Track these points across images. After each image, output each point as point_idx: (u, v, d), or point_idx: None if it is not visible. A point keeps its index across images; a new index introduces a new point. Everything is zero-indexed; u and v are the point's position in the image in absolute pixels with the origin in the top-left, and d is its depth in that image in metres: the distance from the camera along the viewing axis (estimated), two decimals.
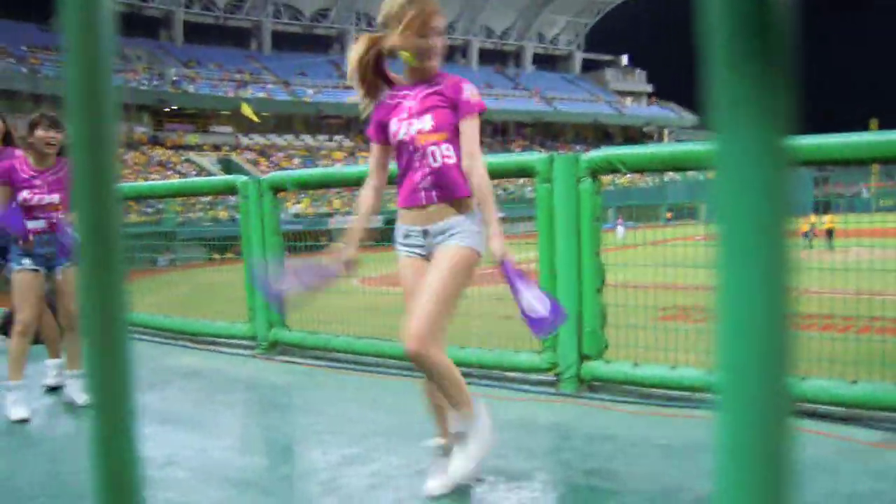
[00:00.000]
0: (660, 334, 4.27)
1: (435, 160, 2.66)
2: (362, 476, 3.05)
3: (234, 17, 59.48)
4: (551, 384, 4.28)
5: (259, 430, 4.05)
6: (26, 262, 4.19)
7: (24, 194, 4.18)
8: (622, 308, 4.27)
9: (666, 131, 69.74)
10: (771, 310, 0.44)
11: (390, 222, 2.92)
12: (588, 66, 75.85)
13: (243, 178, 5.86)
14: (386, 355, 5.00)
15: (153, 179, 37.88)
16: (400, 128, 2.70)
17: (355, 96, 2.82)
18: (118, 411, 0.50)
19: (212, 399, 4.48)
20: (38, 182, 4.21)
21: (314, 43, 57.98)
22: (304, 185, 5.74)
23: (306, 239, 6.35)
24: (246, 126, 49.56)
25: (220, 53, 56.03)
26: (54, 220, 4.25)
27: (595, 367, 4.15)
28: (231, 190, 5.91)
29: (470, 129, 2.66)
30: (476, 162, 2.64)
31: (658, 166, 4.28)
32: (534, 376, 4.41)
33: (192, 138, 49.90)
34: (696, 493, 2.74)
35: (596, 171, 4.12)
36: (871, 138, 3.55)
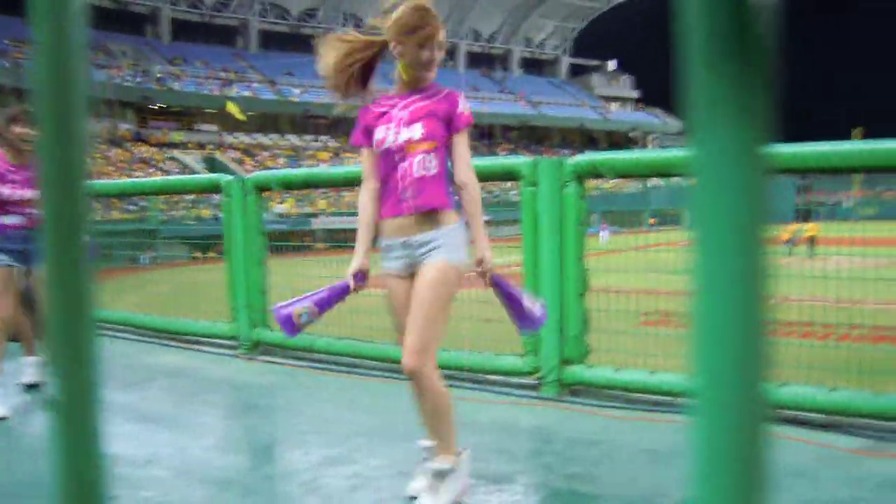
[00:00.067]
0: (641, 339, 4.29)
1: (419, 170, 2.63)
2: (343, 477, 3.04)
3: (220, 15, 59.24)
4: (533, 388, 4.29)
5: (240, 430, 4.02)
6: (2, 258, 4.15)
7: (1, 189, 4.14)
8: (605, 313, 4.28)
9: (650, 137, 70.14)
10: (746, 314, 0.43)
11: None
12: (575, 70, 76.22)
13: (228, 176, 5.82)
14: (368, 357, 4.99)
15: (136, 177, 37.67)
16: (387, 136, 2.66)
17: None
18: (84, 409, 0.49)
19: (193, 398, 4.45)
20: (15, 177, 4.17)
21: (301, 42, 57.67)
22: (289, 185, 5.71)
23: (290, 239, 6.32)
24: (231, 125, 49.36)
25: (206, 51, 55.75)
26: (32, 216, 4.21)
27: (577, 371, 4.15)
28: (215, 188, 5.87)
29: (465, 142, 2.70)
30: (473, 174, 2.68)
31: (642, 172, 4.30)
32: (516, 380, 4.41)
33: (177, 136, 49.59)
34: (676, 497, 2.75)
35: (581, 176, 4.13)
36: (855, 147, 3.58)
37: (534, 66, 74.64)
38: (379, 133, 2.69)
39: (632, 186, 47.05)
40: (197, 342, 6.02)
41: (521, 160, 4.34)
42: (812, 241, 18.27)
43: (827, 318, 4.02)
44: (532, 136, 65.20)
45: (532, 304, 2.84)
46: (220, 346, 5.82)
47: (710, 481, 0.46)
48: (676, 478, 2.88)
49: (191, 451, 3.43)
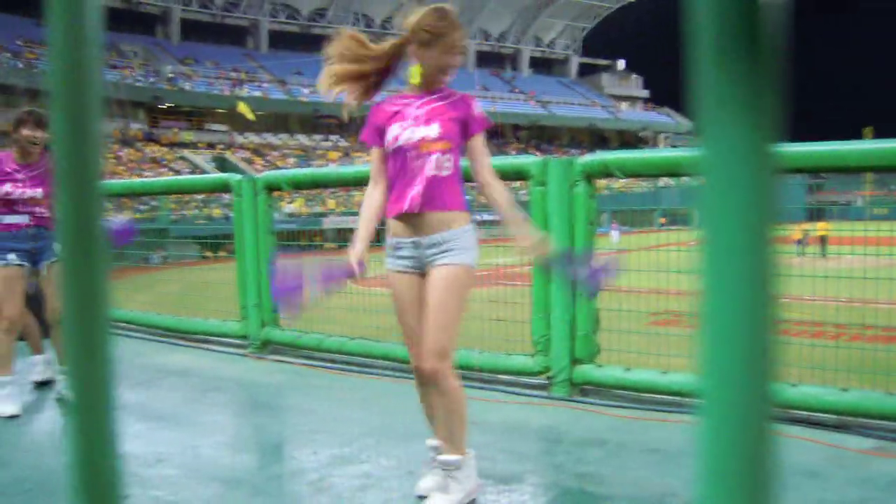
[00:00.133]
0: (652, 339, 4.28)
1: (432, 169, 2.63)
2: (352, 476, 3.04)
3: (231, 15, 59.35)
4: (543, 388, 4.28)
5: (250, 429, 4.04)
6: (11, 257, 4.18)
7: (6, 188, 4.17)
8: (615, 312, 4.27)
9: (661, 136, 69.88)
10: (755, 314, 0.43)
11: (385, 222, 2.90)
12: (584, 70, 75.95)
13: (238, 176, 5.85)
14: (378, 356, 5.00)
15: (147, 176, 37.78)
16: (402, 133, 2.65)
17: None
18: (98, 408, 0.49)
19: (202, 397, 4.47)
20: (20, 176, 4.20)
21: (311, 42, 57.75)
22: (299, 185, 5.72)
23: (300, 238, 6.33)
24: (241, 124, 49.43)
25: (216, 51, 55.88)
26: (39, 215, 4.24)
27: (587, 370, 4.15)
28: (225, 188, 5.89)
29: (483, 144, 2.72)
30: (496, 175, 2.72)
31: (652, 171, 4.29)
32: (525, 379, 4.41)
33: (187, 136, 49.73)
34: (686, 497, 2.74)
35: (591, 175, 4.12)
36: (869, 147, 3.56)
37: (543, 65, 74.47)
38: (393, 130, 2.67)
39: (642, 186, 46.89)
40: (207, 341, 6.05)
41: (530, 160, 4.33)
42: (823, 240, 18.17)
43: (839, 318, 4.00)
44: (542, 136, 65.07)
45: (595, 263, 2.74)
46: (230, 345, 5.84)
47: (718, 482, 0.46)
48: (686, 478, 2.87)
49: (200, 450, 3.44)
